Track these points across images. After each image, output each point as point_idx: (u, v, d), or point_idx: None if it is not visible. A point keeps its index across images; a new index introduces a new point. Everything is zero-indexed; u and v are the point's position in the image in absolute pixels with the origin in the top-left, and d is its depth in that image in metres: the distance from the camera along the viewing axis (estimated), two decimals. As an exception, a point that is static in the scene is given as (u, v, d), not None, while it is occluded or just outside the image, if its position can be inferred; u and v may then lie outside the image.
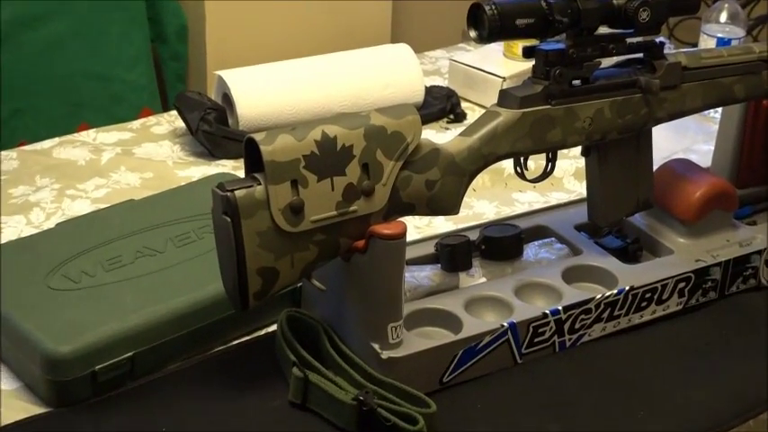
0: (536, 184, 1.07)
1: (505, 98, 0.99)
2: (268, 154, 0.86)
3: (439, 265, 1.08)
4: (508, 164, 1.16)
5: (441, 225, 1.26)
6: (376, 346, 0.93)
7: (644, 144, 1.08)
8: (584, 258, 1.10)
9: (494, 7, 0.94)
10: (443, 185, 0.95)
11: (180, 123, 1.53)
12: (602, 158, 1.06)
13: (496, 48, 1.70)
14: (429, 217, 1.25)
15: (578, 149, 1.08)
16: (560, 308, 1.01)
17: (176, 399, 0.95)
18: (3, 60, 1.84)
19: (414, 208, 0.94)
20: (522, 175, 1.05)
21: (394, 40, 2.24)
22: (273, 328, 1.03)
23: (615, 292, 1.04)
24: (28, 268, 1.03)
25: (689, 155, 1.43)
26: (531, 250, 1.12)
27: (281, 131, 0.87)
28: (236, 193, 0.85)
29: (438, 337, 0.99)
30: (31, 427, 0.91)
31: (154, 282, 1.02)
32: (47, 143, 1.48)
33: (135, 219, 1.13)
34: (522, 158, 1.04)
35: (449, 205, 0.96)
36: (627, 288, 1.04)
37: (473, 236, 1.10)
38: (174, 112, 1.56)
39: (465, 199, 0.98)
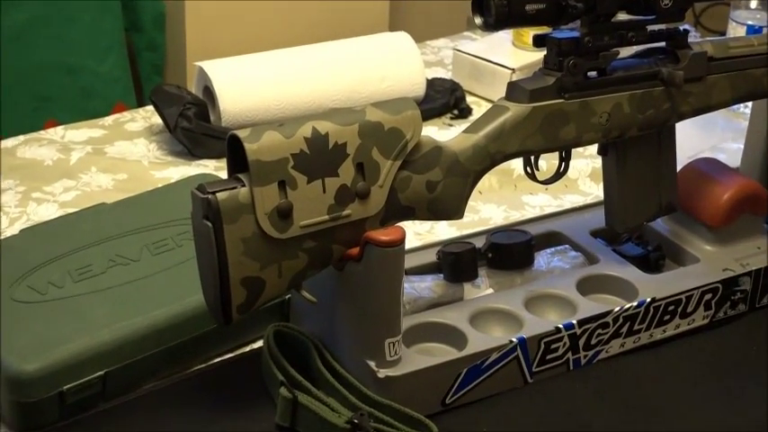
0: (548, 186, 1.07)
1: (514, 91, 0.99)
2: (253, 153, 0.86)
3: (441, 275, 1.08)
4: (517, 164, 1.16)
5: (443, 231, 1.26)
6: (372, 364, 0.93)
7: (666, 142, 1.08)
8: (600, 267, 1.10)
9: (501, -9, 0.94)
10: (446, 187, 0.95)
11: (156, 119, 1.53)
12: (621, 158, 1.06)
13: (505, 36, 1.71)
14: (430, 222, 1.25)
15: (594, 148, 1.08)
16: (575, 322, 1.01)
17: (152, 422, 0.95)
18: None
19: (413, 212, 0.94)
20: (532, 176, 1.05)
21: (392, 28, 2.24)
22: (259, 344, 1.03)
23: (635, 304, 1.04)
24: (-11, 279, 1.03)
25: (716, 154, 1.43)
26: (542, 258, 1.12)
27: (267, 128, 0.87)
28: (218, 195, 0.85)
29: (440, 353, 0.99)
30: (-8, 454, 0.91)
31: (128, 293, 1.02)
32: (10, 141, 1.48)
33: (107, 224, 1.13)
34: (532, 158, 1.04)
35: (452, 209, 0.96)
36: (648, 300, 1.04)
37: (479, 243, 1.10)
38: (151, 108, 1.56)
39: (470, 202, 0.98)
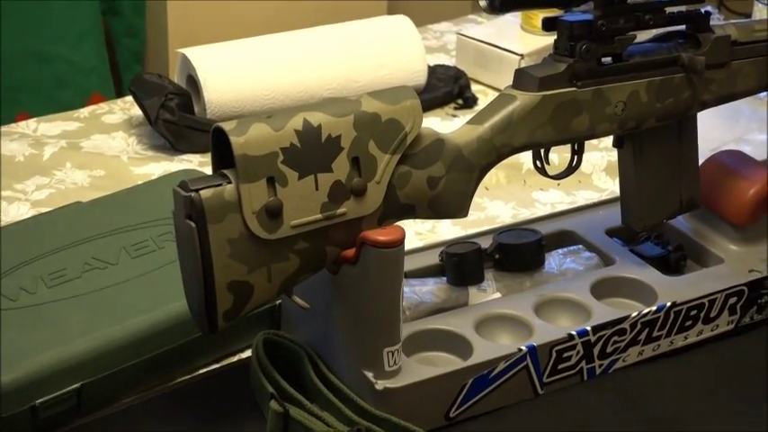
0: (560, 182, 1.08)
1: (523, 79, 0.99)
2: (240, 147, 0.86)
3: (444, 278, 1.08)
4: (527, 157, 1.16)
5: (446, 230, 1.26)
6: (370, 375, 0.93)
7: (687, 133, 1.08)
8: (617, 269, 1.10)
9: (508, -30, 0.94)
10: (449, 183, 0.95)
11: (136, 111, 1.53)
12: (638, 150, 1.06)
13: (512, 20, 1.70)
14: (432, 221, 1.25)
15: (609, 140, 1.08)
16: (589, 328, 1.01)
17: (132, 439, 0.95)
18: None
19: (414, 210, 0.94)
20: (542, 171, 1.05)
21: (391, 11, 2.24)
22: (248, 353, 1.03)
23: (654, 308, 1.04)
24: (-45, 284, 1.03)
25: (741, 145, 1.43)
26: (553, 260, 1.12)
27: (255, 120, 0.87)
28: (202, 193, 0.85)
29: (443, 363, 0.99)
30: (-42, 474, 0.91)
31: (105, 299, 1.02)
32: (-22, 135, 1.48)
33: (83, 225, 1.13)
34: (542, 151, 1.04)
35: (455, 207, 0.96)
36: (668, 304, 1.04)
37: (485, 243, 1.10)
38: (130, 98, 1.55)
39: (475, 199, 0.98)
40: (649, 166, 1.07)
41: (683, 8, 1.04)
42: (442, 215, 0.96)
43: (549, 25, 1.01)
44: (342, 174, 0.89)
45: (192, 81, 1.50)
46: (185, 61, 1.50)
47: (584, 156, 1.06)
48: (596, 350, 1.02)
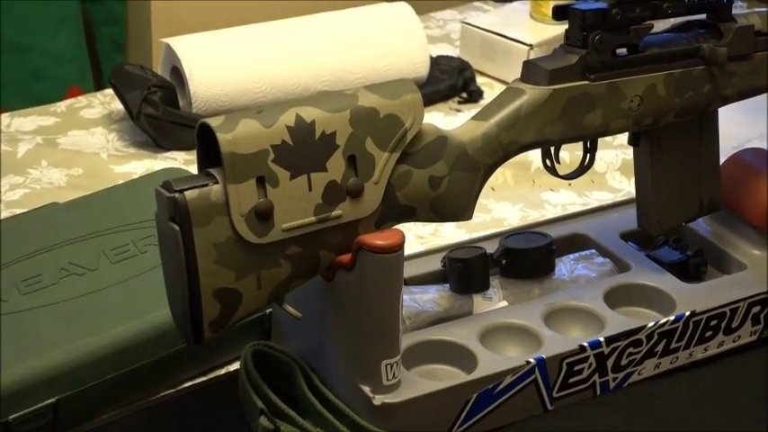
0: (571, 182, 1.08)
1: (531, 71, 0.99)
2: (227, 144, 0.86)
3: (447, 286, 1.08)
4: (536, 156, 1.16)
5: (449, 234, 1.26)
6: (367, 390, 0.93)
7: (708, 130, 1.08)
8: (632, 276, 1.10)
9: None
10: (452, 183, 0.95)
11: (117, 105, 1.53)
12: (656, 148, 1.07)
13: (521, 7, 1.71)
14: (434, 224, 1.25)
15: (625, 137, 1.08)
16: (602, 339, 1.01)
17: (112, 457, 0.95)
18: None
19: (414, 212, 0.94)
20: (552, 170, 1.05)
21: (391, -3, 2.24)
22: (236, 366, 1.03)
23: (672, 318, 1.04)
24: None
25: (765, 143, 1.43)
26: (564, 266, 1.12)
27: (244, 115, 0.88)
28: (187, 194, 0.85)
29: (446, 377, 0.99)
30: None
31: (83, 308, 1.02)
32: (-53, 131, 1.48)
33: (59, 227, 1.13)
34: (552, 149, 1.04)
35: (459, 208, 0.96)
36: (687, 314, 1.04)
37: (491, 247, 1.10)
38: (110, 91, 1.56)
39: (481, 200, 0.98)
40: (667, 165, 1.07)
41: (703, -5, 1.04)
42: (445, 218, 0.96)
43: (559, 14, 1.01)
44: (337, 173, 0.89)
45: (177, 73, 1.50)
46: (170, 51, 1.50)
47: (598, 154, 1.06)
48: (610, 363, 1.02)
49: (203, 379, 1.05)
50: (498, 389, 0.97)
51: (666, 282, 1.09)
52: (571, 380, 1.00)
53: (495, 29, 1.66)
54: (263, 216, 0.87)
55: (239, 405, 0.98)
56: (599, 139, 1.05)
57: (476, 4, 1.98)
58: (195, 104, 1.46)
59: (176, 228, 0.85)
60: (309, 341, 0.98)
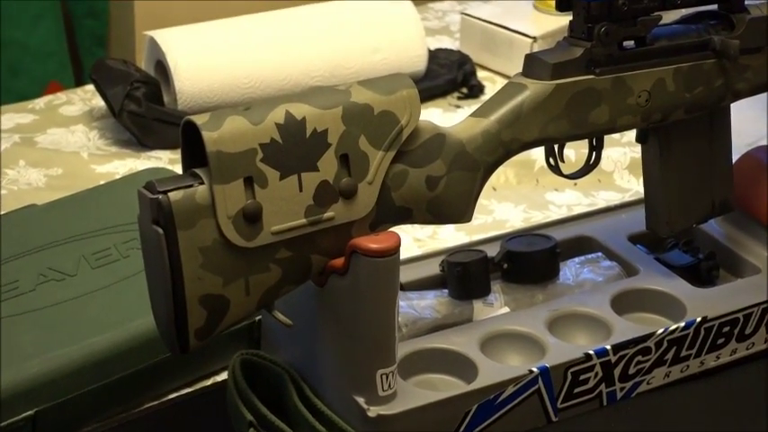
0: (576, 181, 1.08)
1: (534, 65, 0.99)
2: (213, 143, 0.86)
3: (446, 291, 1.08)
4: (539, 154, 1.16)
5: (449, 236, 1.26)
6: (361, 401, 0.93)
7: (720, 127, 1.08)
8: (641, 280, 1.10)
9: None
10: (450, 183, 0.95)
11: (98, 102, 1.53)
12: (665, 146, 1.07)
13: (523, -2, 1.71)
14: (432, 226, 1.25)
15: (632, 134, 1.08)
16: (609, 347, 1.01)
17: (93, 473, 0.95)
18: None
19: (411, 214, 0.94)
20: (557, 169, 1.05)
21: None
22: (224, 376, 1.03)
23: (683, 325, 1.04)
24: None
25: (781, 140, 1.44)
26: (569, 270, 1.12)
27: (231, 112, 0.88)
28: (171, 195, 0.85)
29: (444, 387, 0.99)
30: None
31: (62, 315, 1.02)
32: None
33: (37, 231, 1.14)
34: (556, 147, 1.04)
35: (458, 210, 0.96)
36: (698, 320, 1.05)
37: (492, 251, 1.11)
38: (91, 87, 1.56)
39: (481, 201, 0.98)
40: (677, 163, 1.07)
41: (714, -15, 1.05)
42: (443, 219, 0.96)
43: (564, 5, 1.01)
44: (329, 173, 0.89)
45: (162, 68, 1.50)
46: (154, 45, 1.50)
47: (604, 152, 1.06)
48: (617, 372, 1.02)
49: (189, 390, 1.05)
50: (499, 400, 0.97)
51: (677, 286, 1.09)
52: (576, 390, 1.00)
53: (496, 20, 1.66)
54: (251, 218, 0.87)
55: (227, 417, 0.98)
56: (605, 137, 1.05)
57: (476, -6, 1.99)
58: (180, 101, 1.46)
59: (160, 231, 0.85)
60: (301, 350, 0.98)
